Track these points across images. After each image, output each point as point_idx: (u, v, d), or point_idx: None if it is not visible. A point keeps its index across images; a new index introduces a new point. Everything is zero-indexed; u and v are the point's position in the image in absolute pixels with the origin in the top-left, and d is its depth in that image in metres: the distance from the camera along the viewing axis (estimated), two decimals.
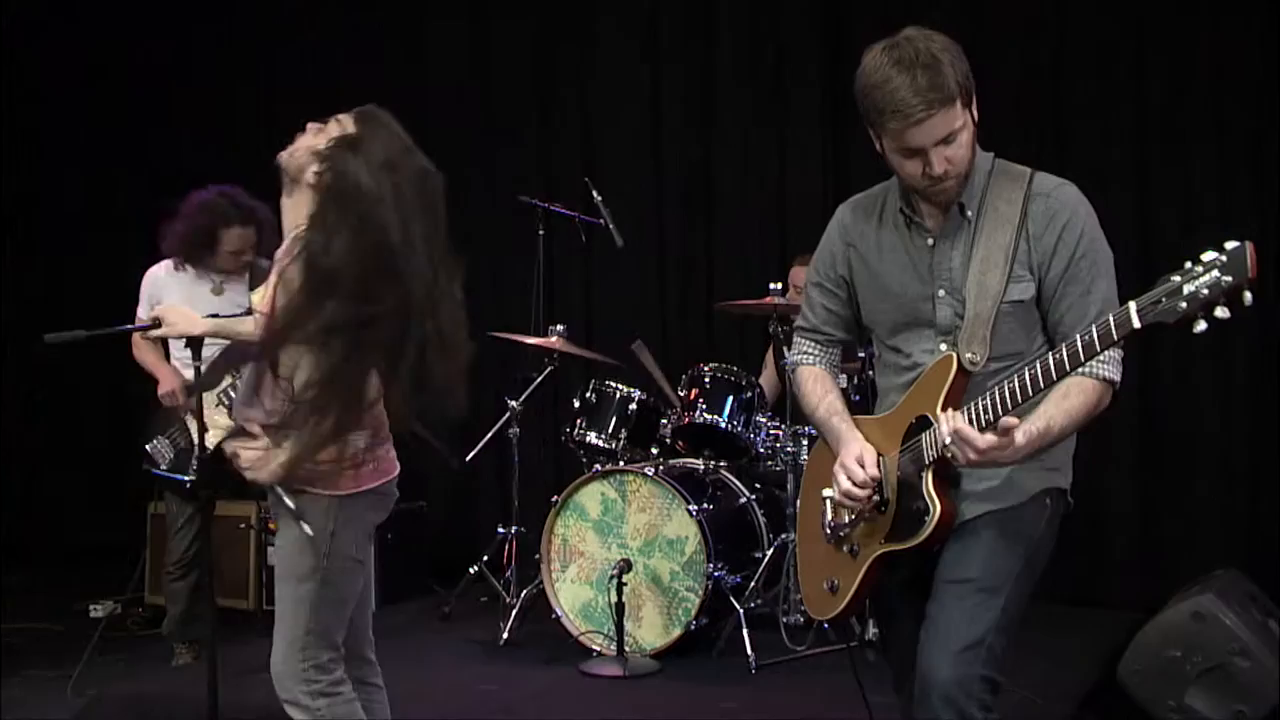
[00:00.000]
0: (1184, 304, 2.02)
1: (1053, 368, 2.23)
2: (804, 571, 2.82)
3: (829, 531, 2.64)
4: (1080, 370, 2.29)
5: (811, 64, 6.02)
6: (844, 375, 5.29)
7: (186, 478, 4.75)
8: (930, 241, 2.52)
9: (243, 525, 5.66)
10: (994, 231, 2.45)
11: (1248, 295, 1.98)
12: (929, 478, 2.43)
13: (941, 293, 2.50)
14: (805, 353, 2.78)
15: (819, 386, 2.73)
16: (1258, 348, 5.21)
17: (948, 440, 2.30)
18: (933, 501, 2.41)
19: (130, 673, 4.85)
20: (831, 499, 2.59)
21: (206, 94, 7.05)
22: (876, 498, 2.52)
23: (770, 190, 6.16)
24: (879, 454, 2.54)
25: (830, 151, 5.98)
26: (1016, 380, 2.28)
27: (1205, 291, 2.00)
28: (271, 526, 5.48)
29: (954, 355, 2.44)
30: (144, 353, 4.82)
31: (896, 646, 2.68)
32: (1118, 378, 2.40)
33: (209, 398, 4.66)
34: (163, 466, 4.81)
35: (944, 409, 2.40)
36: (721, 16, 6.24)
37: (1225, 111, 5.28)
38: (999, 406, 2.30)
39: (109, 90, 7.32)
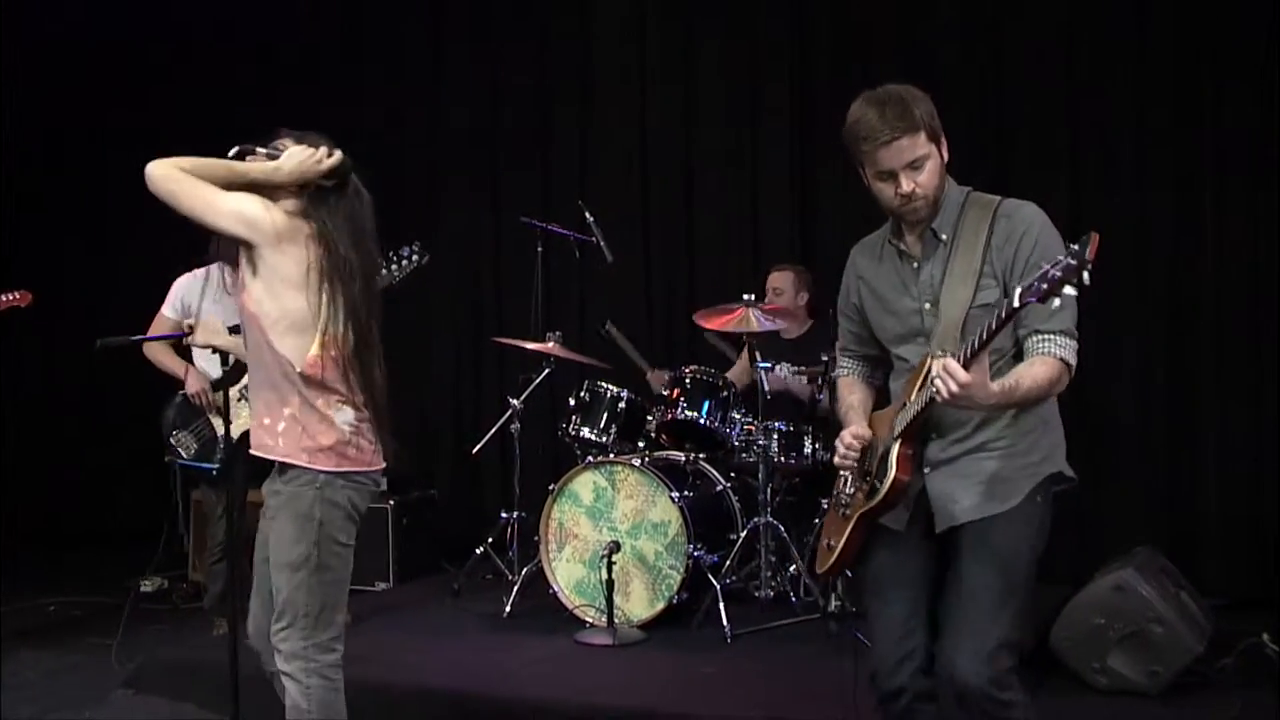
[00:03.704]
0: (1045, 285, 2.20)
1: (984, 332, 2.35)
2: (821, 536, 2.98)
3: (835, 500, 2.84)
4: (1043, 350, 2.50)
5: (782, 113, 6.05)
6: (807, 377, 5.38)
7: (212, 466, 4.73)
8: (915, 265, 2.69)
9: None
10: (966, 251, 2.62)
11: (1085, 275, 2.16)
12: (895, 448, 2.60)
13: (927, 306, 2.67)
14: (842, 366, 3.00)
15: (845, 391, 2.94)
16: (1174, 345, 5.26)
17: (935, 374, 2.40)
18: (891, 466, 2.59)
19: (174, 641, 4.88)
20: (840, 471, 2.79)
21: (217, 121, 6.92)
22: (862, 465, 2.71)
23: (744, 213, 6.19)
24: (875, 436, 2.73)
25: (797, 182, 6.03)
26: (967, 344, 2.41)
27: (1059, 274, 2.18)
28: None
29: (931, 355, 2.60)
30: (159, 354, 4.78)
31: (884, 625, 2.74)
32: (1073, 361, 2.54)
33: (232, 393, 4.69)
34: (187, 457, 4.78)
35: (916, 395, 2.57)
36: (702, 63, 6.27)
37: (1146, 137, 5.33)
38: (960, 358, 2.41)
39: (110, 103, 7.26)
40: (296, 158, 2.98)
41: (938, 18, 5.70)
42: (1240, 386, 5.15)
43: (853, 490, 2.76)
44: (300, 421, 2.92)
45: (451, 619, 5.04)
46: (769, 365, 5.12)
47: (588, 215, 5.55)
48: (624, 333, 5.63)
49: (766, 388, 4.99)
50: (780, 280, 5.54)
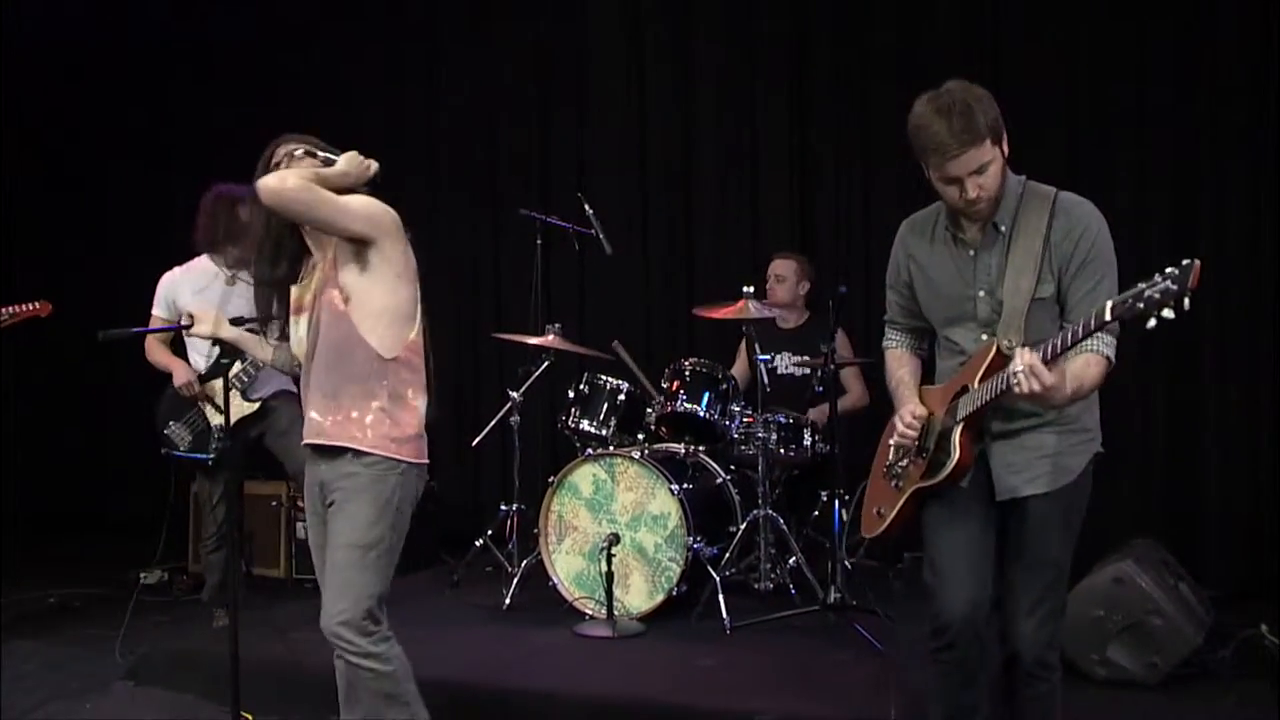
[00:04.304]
0: (1141, 304, 2.31)
1: (1068, 338, 2.50)
2: (866, 501, 3.07)
3: (886, 470, 2.94)
4: (1091, 348, 2.60)
5: (781, 109, 6.05)
6: (810, 367, 5.37)
7: (207, 456, 4.75)
8: (972, 253, 2.78)
9: (274, 503, 5.70)
10: (1026, 243, 2.71)
11: (1186, 302, 2.27)
12: (958, 431, 2.71)
13: (981, 294, 2.76)
14: (890, 338, 3.08)
15: (895, 364, 3.04)
16: (1173, 341, 5.22)
17: (1020, 369, 2.49)
18: (955, 449, 2.70)
19: (175, 633, 4.87)
20: (893, 443, 2.90)
21: (215, 121, 6.93)
22: (919, 442, 2.81)
23: (744, 205, 6.18)
24: (930, 414, 2.83)
25: (796, 178, 6.03)
26: (1049, 345, 2.53)
27: (1157, 296, 2.29)
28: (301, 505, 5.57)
29: (995, 342, 2.70)
30: (155, 352, 4.82)
31: (951, 574, 2.78)
32: (1114, 357, 2.67)
33: (218, 385, 4.68)
34: (182, 448, 4.80)
35: (980, 382, 2.67)
36: (701, 60, 6.27)
37: (1145, 136, 5.33)
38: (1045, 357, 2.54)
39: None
40: (354, 162, 3.01)
41: (937, 19, 5.69)
42: (1240, 381, 5.14)
43: (906, 463, 2.85)
44: (389, 413, 2.94)
45: (451, 611, 5.03)
46: (768, 358, 5.10)
47: (586, 207, 5.54)
48: (628, 349, 5.57)
49: (766, 380, 4.98)
50: (783, 268, 5.55)
